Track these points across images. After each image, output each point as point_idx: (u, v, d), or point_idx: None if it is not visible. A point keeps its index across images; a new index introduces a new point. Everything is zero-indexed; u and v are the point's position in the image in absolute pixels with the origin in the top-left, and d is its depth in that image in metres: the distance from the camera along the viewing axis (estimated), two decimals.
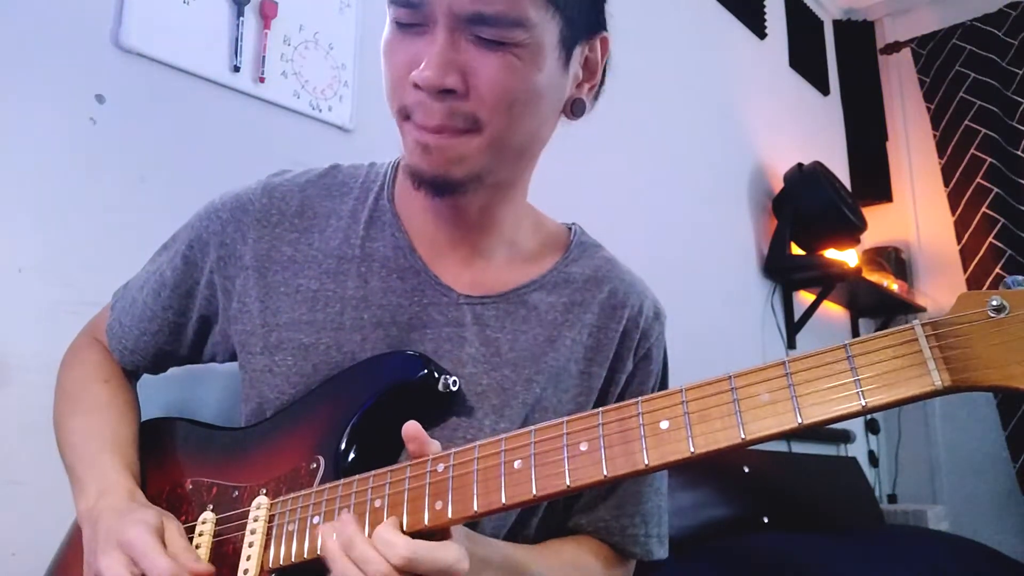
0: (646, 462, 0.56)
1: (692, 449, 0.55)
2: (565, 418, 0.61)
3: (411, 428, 0.66)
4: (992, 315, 0.49)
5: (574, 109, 0.82)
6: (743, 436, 0.53)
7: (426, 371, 0.78)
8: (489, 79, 0.72)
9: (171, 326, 0.91)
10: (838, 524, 2.36)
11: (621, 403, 0.60)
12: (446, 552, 0.60)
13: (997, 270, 2.99)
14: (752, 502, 2.09)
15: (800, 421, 0.52)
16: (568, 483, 0.58)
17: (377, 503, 0.66)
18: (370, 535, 0.64)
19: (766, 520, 2.07)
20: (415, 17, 0.72)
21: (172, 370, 0.99)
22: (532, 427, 0.62)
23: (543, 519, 0.86)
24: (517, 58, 0.72)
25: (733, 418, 0.54)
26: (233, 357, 0.90)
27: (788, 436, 0.52)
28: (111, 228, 1.13)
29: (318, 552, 0.67)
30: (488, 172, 0.78)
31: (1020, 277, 0.49)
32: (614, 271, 0.91)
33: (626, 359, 0.89)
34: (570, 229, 0.95)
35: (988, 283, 2.94)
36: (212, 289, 0.88)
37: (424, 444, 0.66)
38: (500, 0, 0.69)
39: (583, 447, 0.59)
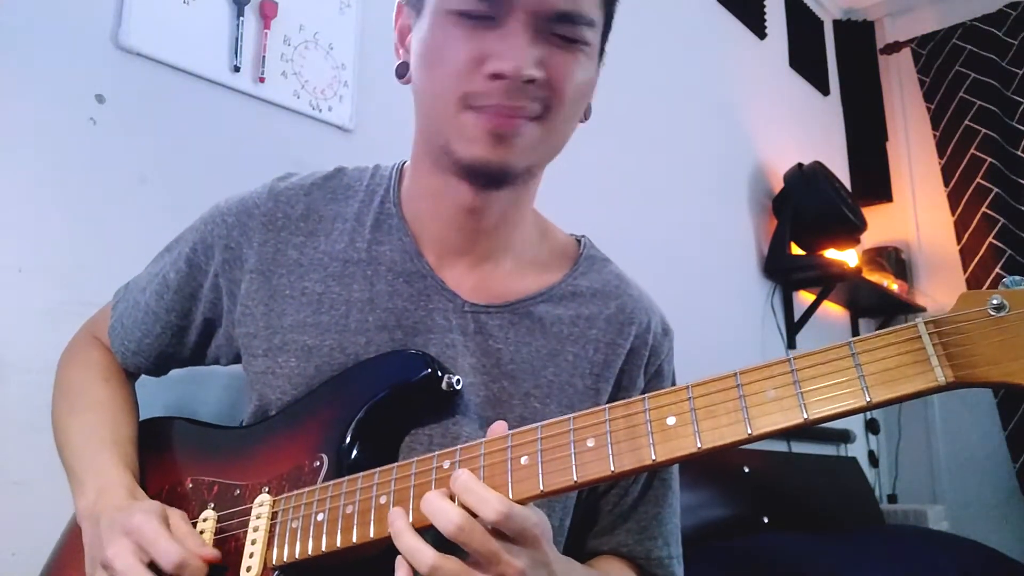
0: (653, 457, 0.56)
1: (699, 444, 0.55)
2: (571, 415, 0.61)
3: (499, 428, 0.66)
4: (992, 313, 0.50)
5: (586, 113, 0.83)
6: (750, 431, 0.54)
7: (429, 370, 0.77)
8: (564, 74, 0.74)
9: (174, 328, 0.91)
10: (838, 524, 2.36)
11: (628, 400, 0.60)
12: (530, 513, 0.60)
13: (997, 270, 2.99)
14: (752, 502, 2.09)
15: (806, 416, 0.52)
16: (575, 478, 0.59)
17: (382, 499, 0.66)
18: (377, 534, 0.64)
19: (766, 520, 2.07)
20: (488, 9, 0.72)
21: (173, 370, 0.99)
22: (539, 424, 0.62)
23: (565, 548, 0.85)
24: (585, 56, 0.76)
25: (739, 414, 0.54)
26: (236, 359, 0.90)
27: (793, 432, 0.52)
28: (111, 228, 1.13)
29: (323, 550, 0.67)
30: (538, 166, 0.81)
31: (1019, 277, 0.50)
32: (623, 287, 0.91)
33: (636, 376, 0.88)
34: (579, 241, 0.94)
35: (988, 283, 2.95)
36: (217, 292, 0.88)
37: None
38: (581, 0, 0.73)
39: (590, 443, 0.59)
